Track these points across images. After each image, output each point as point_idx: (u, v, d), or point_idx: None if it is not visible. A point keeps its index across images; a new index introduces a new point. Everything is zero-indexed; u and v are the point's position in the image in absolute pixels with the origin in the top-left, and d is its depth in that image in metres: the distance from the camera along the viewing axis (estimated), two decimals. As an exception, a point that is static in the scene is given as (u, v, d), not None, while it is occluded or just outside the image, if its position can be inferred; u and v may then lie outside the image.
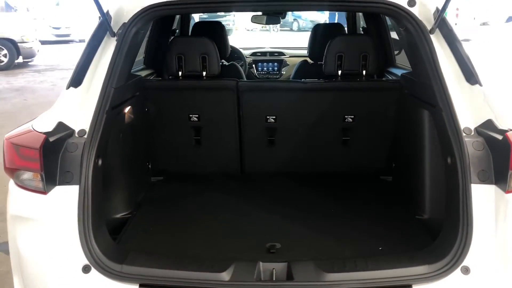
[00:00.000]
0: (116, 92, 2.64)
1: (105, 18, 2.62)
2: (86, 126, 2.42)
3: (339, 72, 3.33)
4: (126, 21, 2.69)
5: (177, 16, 5.01)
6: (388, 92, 3.32)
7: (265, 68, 6.00)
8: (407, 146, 3.13)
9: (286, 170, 3.60)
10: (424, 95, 2.76)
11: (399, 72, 4.03)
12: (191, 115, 3.45)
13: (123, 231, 2.73)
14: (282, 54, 6.09)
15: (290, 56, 6.08)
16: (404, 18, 2.69)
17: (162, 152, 3.57)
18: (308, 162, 3.59)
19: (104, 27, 2.65)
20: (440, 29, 2.59)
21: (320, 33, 4.43)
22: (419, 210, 2.89)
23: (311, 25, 22.38)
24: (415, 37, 2.65)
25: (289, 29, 24.38)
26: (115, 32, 2.67)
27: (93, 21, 2.78)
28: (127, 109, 2.95)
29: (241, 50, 5.88)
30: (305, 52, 6.35)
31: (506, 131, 2.19)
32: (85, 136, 2.37)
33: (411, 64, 3.14)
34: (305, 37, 4.68)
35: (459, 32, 2.67)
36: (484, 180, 2.24)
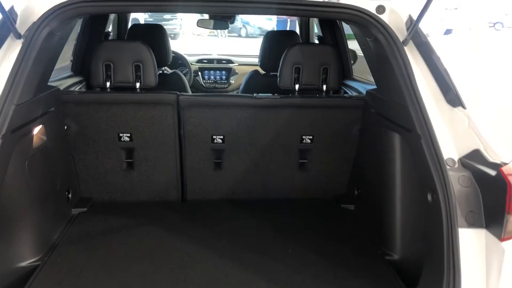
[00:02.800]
0: (19, 110, 2.07)
1: (6, 16, 2.06)
2: None
3: (296, 86, 2.90)
4: (35, 20, 2.15)
5: (112, 17, 4.43)
6: (351, 110, 2.92)
7: (212, 77, 5.50)
8: (372, 172, 2.74)
9: (234, 197, 3.13)
10: (396, 116, 2.38)
11: (356, 85, 3.67)
12: (121, 134, 2.90)
13: (27, 285, 2.15)
14: (230, 62, 5.61)
15: (239, 65, 5.62)
16: (372, 26, 2.31)
17: (86, 178, 2.99)
18: (259, 188, 3.13)
19: (6, 27, 2.09)
20: (413, 40, 2.22)
21: (272, 41, 3.99)
22: (387, 248, 2.50)
23: (259, 32, 22.06)
24: (386, 49, 2.28)
25: (237, 35, 23.97)
26: (21, 33, 2.11)
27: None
28: (37, 129, 2.37)
29: (186, 56, 5.35)
30: (255, 60, 5.94)
31: (499, 165, 1.82)
32: None
33: (376, 79, 2.76)
34: (254, 44, 4.22)
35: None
36: (472, 223, 1.86)
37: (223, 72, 5.53)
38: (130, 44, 2.85)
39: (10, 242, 2.20)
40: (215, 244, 2.56)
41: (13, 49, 2.13)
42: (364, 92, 3.44)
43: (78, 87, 3.62)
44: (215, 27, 4.98)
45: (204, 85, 5.46)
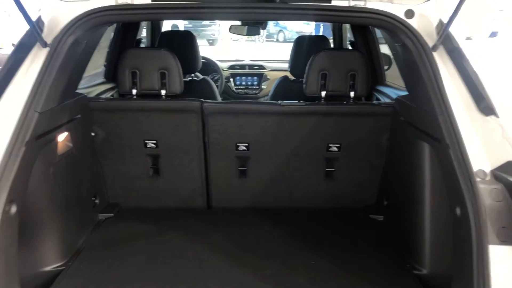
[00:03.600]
0: (43, 117, 2.11)
1: (33, 25, 2.11)
2: None
3: (323, 93, 2.83)
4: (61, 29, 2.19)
5: (144, 24, 4.49)
6: (380, 118, 2.82)
7: (243, 82, 5.48)
8: (401, 183, 2.63)
9: (259, 205, 3.08)
10: (425, 125, 2.28)
11: (389, 91, 3.56)
12: (147, 141, 2.91)
13: None
14: (262, 67, 5.58)
15: (271, 70, 5.58)
16: (400, 31, 2.22)
17: (113, 184, 3.02)
18: (284, 197, 3.07)
19: (33, 36, 2.14)
20: (444, 46, 2.12)
21: (302, 47, 3.94)
22: (415, 262, 2.39)
23: (297, 36, 21.84)
24: (414, 54, 2.19)
25: (275, 40, 23.95)
26: (47, 42, 2.15)
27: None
28: (62, 136, 2.40)
29: (217, 62, 5.36)
30: (287, 66, 5.91)
31: (535, 178, 1.70)
32: None
33: (407, 86, 2.66)
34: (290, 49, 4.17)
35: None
36: (504, 240, 1.74)
37: (255, 78, 5.50)
38: (156, 52, 2.86)
39: (34, 246, 2.24)
40: (237, 253, 2.52)
41: (39, 57, 2.16)
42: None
43: (110, 93, 3.68)
44: (247, 33, 4.98)
45: (235, 91, 5.46)
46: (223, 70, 5.43)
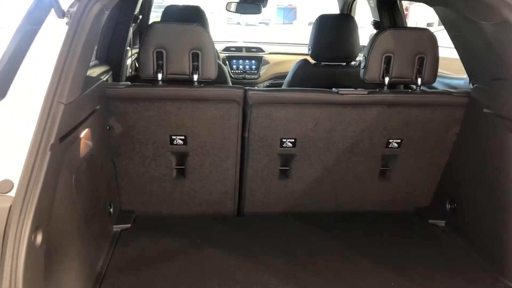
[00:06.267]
0: (68, 110, 1.58)
1: None
2: (14, 175, 1.36)
3: (386, 79, 2.41)
4: None
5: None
6: (452, 109, 2.44)
7: (240, 66, 4.98)
8: (481, 184, 2.27)
9: (300, 210, 2.65)
10: None
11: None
12: (174, 137, 2.40)
13: None
14: (260, 50, 5.09)
15: (270, 53, 5.10)
16: (505, 6, 1.83)
17: (127, 188, 2.50)
18: (330, 200, 2.66)
19: (45, 4, 1.60)
20: None
21: (326, 26, 3.49)
22: (510, 279, 2.04)
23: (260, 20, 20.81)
24: None
25: (236, 23, 23.17)
26: (65, 10, 1.62)
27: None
28: (84, 134, 1.86)
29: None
30: (288, 48, 5.45)
31: None
32: (11, 194, 1.32)
33: (490, 73, 2.27)
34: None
35: None
36: None
37: (253, 61, 5.01)
38: (188, 28, 2.33)
39: (56, 275, 1.71)
40: (275, 267, 2.11)
41: (55, 31, 1.63)
42: (441, 87, 2.96)
43: (105, 77, 3.11)
44: (246, 11, 4.49)
45: (232, 75, 4.95)
46: (219, 52, 4.91)
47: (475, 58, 2.38)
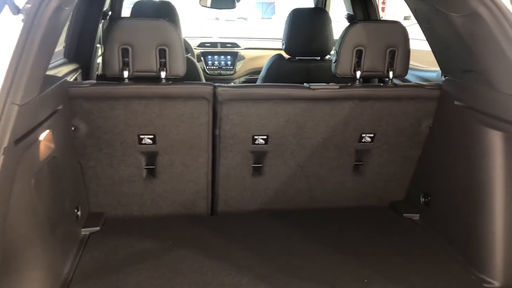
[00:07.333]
0: (23, 112, 1.51)
1: None
2: None
3: (358, 73, 2.38)
4: None
5: None
6: (424, 102, 2.42)
7: (216, 62, 4.91)
8: (454, 177, 2.26)
9: (274, 207, 2.62)
10: (502, 110, 1.90)
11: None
12: (142, 136, 2.34)
13: None
14: (236, 45, 5.03)
15: (245, 48, 5.05)
16: None
17: (96, 190, 2.43)
18: (305, 196, 2.63)
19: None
20: None
21: (299, 20, 3.44)
22: (484, 273, 2.04)
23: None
24: (491, 25, 1.79)
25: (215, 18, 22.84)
26: (20, 7, 1.55)
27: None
28: (43, 136, 1.79)
29: (187, 39, 4.75)
30: (263, 44, 5.39)
31: None
32: None
33: (460, 65, 2.27)
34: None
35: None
36: None
37: (228, 57, 4.95)
38: (154, 23, 2.26)
39: (16, 284, 1.64)
40: (248, 267, 2.07)
41: (10, 28, 1.56)
42: (414, 80, 2.96)
43: (73, 76, 3.02)
44: (219, 6, 4.42)
45: (207, 71, 4.89)
46: (194, 48, 4.84)
47: (446, 51, 2.36)
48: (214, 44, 5.03)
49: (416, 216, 2.57)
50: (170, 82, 2.28)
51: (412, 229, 2.48)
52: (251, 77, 4.88)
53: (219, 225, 2.48)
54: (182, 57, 2.27)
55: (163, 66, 2.24)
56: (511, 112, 1.83)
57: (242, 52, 4.99)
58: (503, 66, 1.82)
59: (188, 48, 4.68)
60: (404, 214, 2.59)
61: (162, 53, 2.24)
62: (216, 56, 4.93)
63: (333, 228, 2.48)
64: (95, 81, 2.28)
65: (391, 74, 2.38)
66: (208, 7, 4.36)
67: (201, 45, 4.99)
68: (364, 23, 2.41)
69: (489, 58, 1.93)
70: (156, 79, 2.26)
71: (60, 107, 1.97)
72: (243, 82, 4.89)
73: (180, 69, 2.27)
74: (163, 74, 2.25)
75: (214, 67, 4.90)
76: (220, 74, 4.91)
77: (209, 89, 2.27)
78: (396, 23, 2.42)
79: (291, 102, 2.34)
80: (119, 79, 2.25)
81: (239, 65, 4.95)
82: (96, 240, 2.29)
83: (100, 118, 2.25)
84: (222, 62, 4.94)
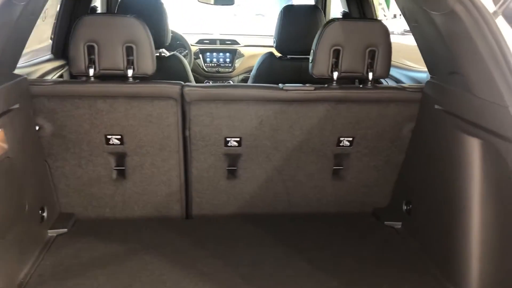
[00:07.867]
0: None
1: None
2: None
3: (335, 74, 2.27)
4: None
5: None
6: (405, 105, 2.30)
7: (214, 59, 4.83)
8: (433, 184, 2.14)
9: (251, 211, 2.53)
10: (480, 116, 1.77)
11: (395, 72, 3.04)
12: (110, 136, 2.27)
13: None
14: (235, 42, 4.94)
15: (244, 46, 4.95)
16: None
17: (66, 191, 2.37)
18: (282, 201, 2.53)
19: None
20: (505, 14, 1.63)
21: (291, 18, 3.33)
22: (457, 284, 1.91)
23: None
24: (467, 24, 1.67)
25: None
26: None
27: None
28: None
29: (184, 36, 4.68)
30: (264, 41, 5.28)
31: None
32: None
33: (441, 66, 2.14)
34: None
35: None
36: None
37: (227, 54, 4.87)
38: (120, 20, 2.19)
39: None
40: (212, 275, 1.98)
41: None
42: (407, 81, 2.82)
43: (59, 73, 2.98)
44: (217, 3, 4.34)
45: (205, 69, 4.81)
46: (191, 45, 4.76)
47: (432, 51, 2.23)
48: (213, 41, 4.94)
49: (398, 224, 2.45)
50: (137, 81, 2.21)
51: (392, 239, 2.35)
52: (250, 75, 4.79)
53: (191, 229, 2.40)
54: (151, 55, 2.19)
55: (130, 64, 2.17)
56: (487, 118, 1.70)
57: (241, 50, 4.90)
58: (478, 68, 1.69)
59: (185, 45, 4.61)
60: (386, 222, 2.47)
61: (129, 51, 2.16)
62: (214, 53, 4.85)
63: (310, 234, 2.38)
64: (58, 79, 2.22)
65: (370, 75, 2.26)
66: (211, 4, 4.30)
67: (200, 41, 4.91)
68: (342, 21, 2.29)
69: (466, 59, 1.80)
70: (123, 78, 2.19)
71: (17, 105, 1.92)
72: (242, 80, 4.81)
73: (148, 67, 2.19)
74: (130, 73, 2.18)
75: (213, 64, 4.83)
76: (218, 72, 4.83)
77: (176, 88, 2.19)
78: (376, 22, 2.30)
79: (263, 104, 2.24)
80: (86, 77, 2.19)
81: (238, 63, 4.86)
82: (61, 243, 2.24)
83: (64, 117, 2.19)
84: (221, 60, 4.86)
